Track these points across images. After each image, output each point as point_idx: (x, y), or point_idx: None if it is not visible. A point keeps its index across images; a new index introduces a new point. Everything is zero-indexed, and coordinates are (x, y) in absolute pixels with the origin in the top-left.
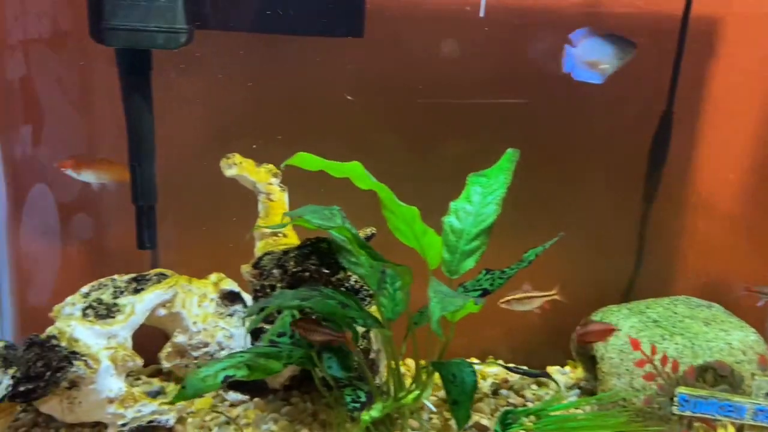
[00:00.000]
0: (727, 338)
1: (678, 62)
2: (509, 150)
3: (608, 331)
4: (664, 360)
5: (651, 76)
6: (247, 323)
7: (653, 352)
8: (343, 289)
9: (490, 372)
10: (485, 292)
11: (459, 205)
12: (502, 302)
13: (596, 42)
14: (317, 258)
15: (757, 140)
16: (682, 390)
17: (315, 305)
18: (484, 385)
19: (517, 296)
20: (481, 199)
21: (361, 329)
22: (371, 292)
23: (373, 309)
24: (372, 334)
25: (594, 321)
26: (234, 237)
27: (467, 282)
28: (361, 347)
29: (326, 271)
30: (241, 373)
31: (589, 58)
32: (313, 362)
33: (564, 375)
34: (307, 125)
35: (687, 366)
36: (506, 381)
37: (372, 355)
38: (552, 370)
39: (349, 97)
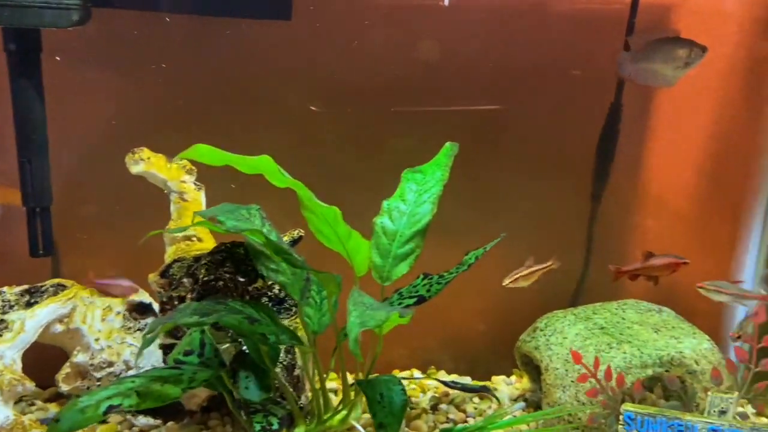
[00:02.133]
0: (678, 346)
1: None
2: (447, 143)
3: (676, 265)
4: (608, 373)
5: (600, 67)
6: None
7: (596, 364)
8: (265, 298)
9: (430, 384)
10: (421, 299)
11: (392, 204)
12: (509, 282)
13: (661, 45)
14: (233, 265)
15: (710, 138)
16: (628, 407)
17: (218, 321)
18: (423, 399)
19: (523, 273)
20: (416, 197)
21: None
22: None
23: (299, 320)
24: (297, 349)
25: (659, 255)
26: (145, 242)
27: (403, 288)
28: (284, 363)
29: (242, 279)
30: (129, 402)
31: (653, 63)
32: (223, 384)
33: (510, 385)
34: (226, 118)
35: (634, 378)
36: (447, 394)
37: (297, 372)
38: (498, 380)
39: (312, 108)
